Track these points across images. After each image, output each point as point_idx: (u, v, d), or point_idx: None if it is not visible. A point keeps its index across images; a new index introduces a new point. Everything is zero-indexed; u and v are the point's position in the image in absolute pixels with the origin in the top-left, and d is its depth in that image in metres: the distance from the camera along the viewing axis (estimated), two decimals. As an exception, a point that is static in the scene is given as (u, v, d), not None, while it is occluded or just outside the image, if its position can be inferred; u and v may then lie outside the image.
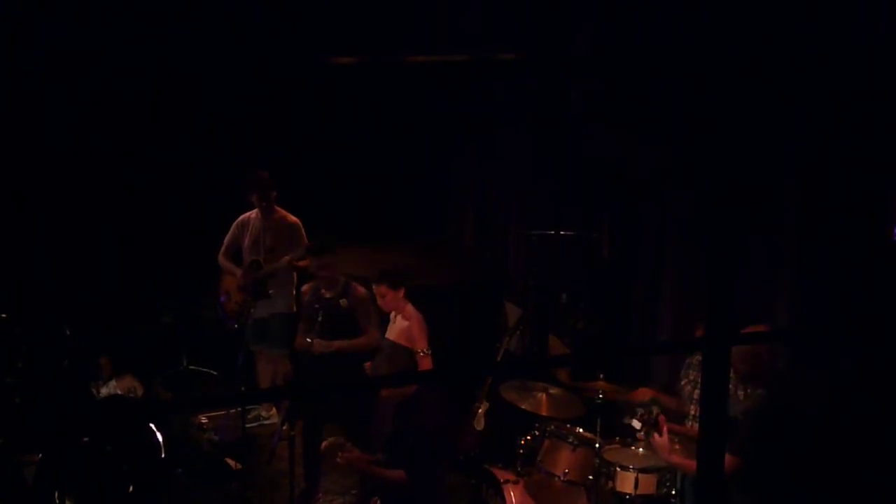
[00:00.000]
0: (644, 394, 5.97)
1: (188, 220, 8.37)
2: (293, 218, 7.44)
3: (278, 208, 7.47)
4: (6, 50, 7.74)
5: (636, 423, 5.41)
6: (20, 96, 7.94)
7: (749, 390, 5.31)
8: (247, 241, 7.50)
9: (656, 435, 5.25)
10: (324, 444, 5.87)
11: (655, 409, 5.44)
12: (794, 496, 4.87)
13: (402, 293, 6.36)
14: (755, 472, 4.84)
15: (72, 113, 8.23)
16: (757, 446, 4.84)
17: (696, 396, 5.78)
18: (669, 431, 5.32)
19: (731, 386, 5.46)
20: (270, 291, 7.07)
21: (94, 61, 8.05)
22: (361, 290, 6.64)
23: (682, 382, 5.90)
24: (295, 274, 7.46)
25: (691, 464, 5.05)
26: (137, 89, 8.31)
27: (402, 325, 6.31)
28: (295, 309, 7.35)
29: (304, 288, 6.92)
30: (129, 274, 8.34)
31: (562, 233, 7.29)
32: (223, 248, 7.58)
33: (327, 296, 6.64)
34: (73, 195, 8.22)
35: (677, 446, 5.45)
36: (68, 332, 6.30)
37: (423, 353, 6.22)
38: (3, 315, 6.26)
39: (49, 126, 8.17)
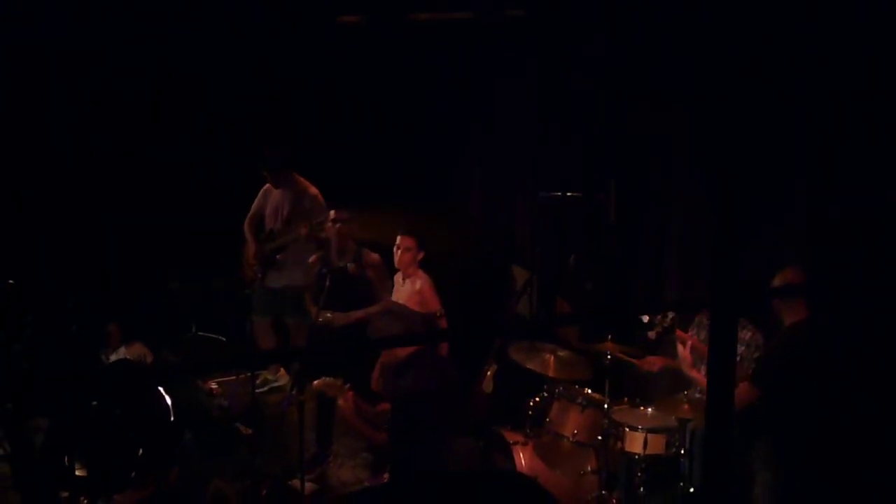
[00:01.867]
0: (652, 363, 5.97)
1: (198, 186, 8.36)
2: (314, 189, 7.39)
3: (300, 179, 7.44)
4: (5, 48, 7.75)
5: (644, 317, 5.46)
6: (24, 78, 7.95)
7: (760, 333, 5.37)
8: (268, 210, 7.52)
9: (680, 346, 5.30)
10: (316, 382, 5.84)
11: (671, 315, 5.46)
12: (816, 430, 4.89)
13: (421, 256, 6.33)
14: (779, 406, 4.88)
15: (83, 81, 8.23)
16: (780, 379, 4.87)
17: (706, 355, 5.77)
18: (693, 348, 5.37)
19: (752, 333, 5.51)
20: (278, 256, 7.06)
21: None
22: (375, 256, 6.60)
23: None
24: (314, 246, 7.42)
25: None
26: (153, 46, 8.28)
27: (413, 288, 6.26)
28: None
29: (313, 258, 6.89)
30: (138, 241, 8.35)
31: (568, 194, 7.26)
32: (249, 216, 7.61)
33: (339, 264, 6.61)
34: (81, 163, 8.23)
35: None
36: (75, 299, 6.32)
37: (440, 314, 6.17)
38: (11, 282, 6.28)
39: (55, 98, 8.17)
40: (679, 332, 5.54)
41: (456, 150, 8.96)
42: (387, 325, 6.19)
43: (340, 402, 5.69)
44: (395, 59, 8.65)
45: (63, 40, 7.98)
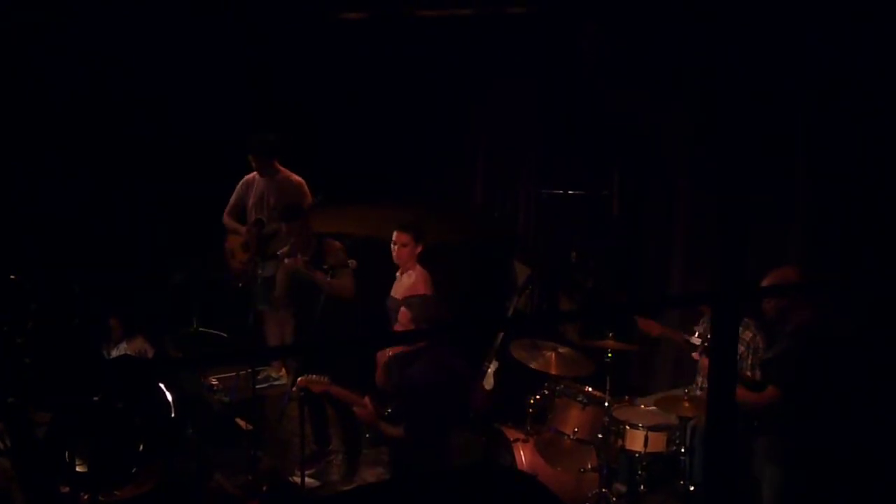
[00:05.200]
0: (650, 325, 5.96)
1: (198, 179, 8.35)
2: (297, 178, 7.47)
3: (282, 168, 7.50)
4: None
5: (695, 340, 5.45)
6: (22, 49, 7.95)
7: (766, 340, 5.36)
8: (251, 201, 7.56)
9: (705, 360, 5.28)
10: (300, 379, 5.85)
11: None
12: (825, 425, 4.90)
13: (419, 250, 6.33)
14: (790, 402, 4.89)
15: (82, 71, 8.23)
16: (796, 377, 4.88)
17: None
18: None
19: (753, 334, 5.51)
20: (279, 252, 7.06)
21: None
22: (337, 244, 6.63)
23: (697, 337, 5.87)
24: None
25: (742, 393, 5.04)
26: (150, 47, 8.28)
27: (409, 282, 6.28)
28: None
29: (283, 250, 6.93)
30: (140, 234, 8.36)
31: (570, 192, 7.27)
32: (228, 208, 7.65)
33: (303, 257, 6.64)
34: (81, 155, 8.22)
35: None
36: (77, 292, 6.31)
37: None
38: (11, 276, 6.26)
39: (55, 83, 8.16)
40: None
41: (459, 145, 8.96)
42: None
43: (361, 412, 5.73)
44: (398, 54, 8.64)
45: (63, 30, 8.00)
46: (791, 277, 5.03)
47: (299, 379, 5.85)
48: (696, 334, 5.56)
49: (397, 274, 6.44)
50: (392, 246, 6.32)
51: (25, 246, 7.35)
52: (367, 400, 5.69)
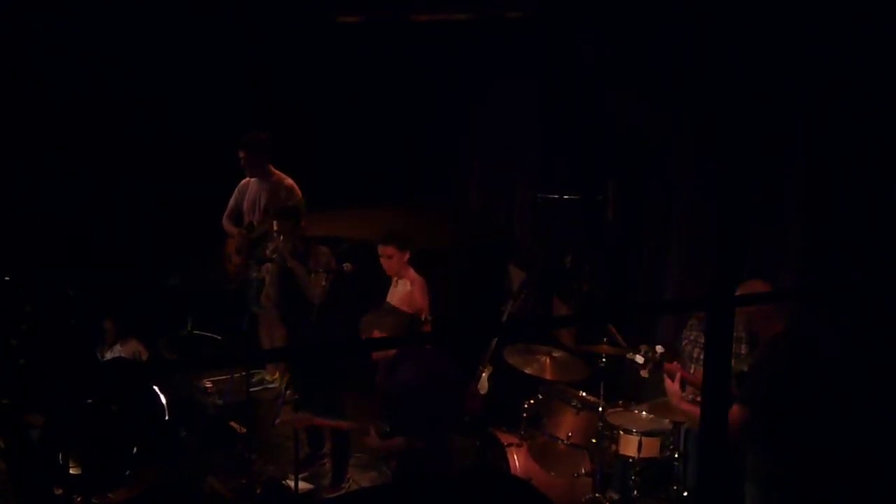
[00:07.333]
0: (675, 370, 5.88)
1: (197, 180, 8.35)
2: (290, 181, 7.48)
3: (275, 171, 7.52)
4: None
5: (639, 358, 5.37)
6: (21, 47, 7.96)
7: (748, 347, 5.27)
8: (245, 204, 7.56)
9: (668, 380, 5.19)
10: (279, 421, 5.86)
11: (658, 348, 5.38)
12: (802, 445, 4.82)
13: (407, 257, 6.29)
14: (763, 421, 4.80)
15: (80, 71, 8.23)
16: (764, 395, 4.79)
17: (696, 356, 5.73)
18: (682, 379, 5.26)
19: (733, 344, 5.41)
20: (274, 256, 7.05)
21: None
22: (324, 248, 6.62)
23: (684, 343, 5.84)
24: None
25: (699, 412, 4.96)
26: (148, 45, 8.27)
27: (405, 289, 6.24)
28: None
29: (270, 250, 6.93)
30: (136, 236, 8.36)
31: (566, 197, 7.23)
32: (227, 211, 7.67)
33: (289, 265, 6.68)
34: (80, 156, 8.23)
35: (688, 395, 5.39)
36: (72, 294, 6.32)
37: (427, 319, 6.15)
38: (7, 277, 6.27)
39: (54, 83, 8.17)
40: (667, 365, 5.34)
41: (455, 148, 8.93)
42: (377, 324, 6.16)
43: (367, 440, 5.70)
44: (395, 58, 8.62)
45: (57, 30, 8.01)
46: (760, 290, 4.90)
47: (278, 421, 5.85)
48: (640, 353, 5.46)
49: (393, 280, 6.41)
50: (380, 259, 6.29)
51: (21, 247, 7.35)
52: (371, 429, 5.61)
